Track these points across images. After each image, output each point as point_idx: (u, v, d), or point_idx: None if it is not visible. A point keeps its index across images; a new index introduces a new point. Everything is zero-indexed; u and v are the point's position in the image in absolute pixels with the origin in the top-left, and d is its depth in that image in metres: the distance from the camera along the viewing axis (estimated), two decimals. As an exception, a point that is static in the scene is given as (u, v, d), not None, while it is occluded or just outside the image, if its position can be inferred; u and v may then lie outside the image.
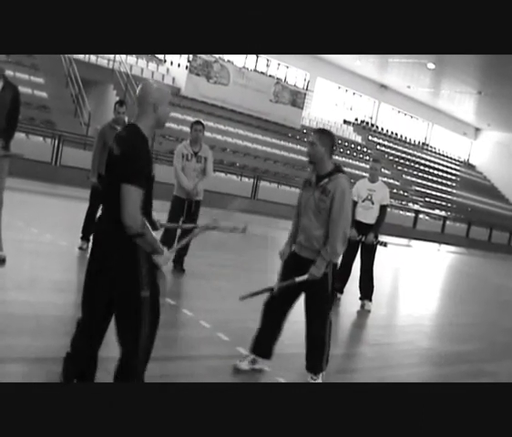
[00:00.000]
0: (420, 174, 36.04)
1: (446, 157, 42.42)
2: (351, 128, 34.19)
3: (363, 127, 35.52)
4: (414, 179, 34.57)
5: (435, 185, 36.28)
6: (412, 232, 25.26)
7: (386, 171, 31.04)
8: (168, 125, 18.28)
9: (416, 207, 29.58)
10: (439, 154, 41.78)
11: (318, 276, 4.54)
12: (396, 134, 38.23)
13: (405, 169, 34.81)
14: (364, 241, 7.98)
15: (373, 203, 8.07)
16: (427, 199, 33.15)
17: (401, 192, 31.12)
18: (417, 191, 33.40)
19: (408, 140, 39.06)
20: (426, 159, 38.80)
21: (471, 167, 45.20)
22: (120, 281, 3.26)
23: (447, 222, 28.92)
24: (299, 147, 26.92)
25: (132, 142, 3.21)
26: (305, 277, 4.56)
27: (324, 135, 4.69)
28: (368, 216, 8.00)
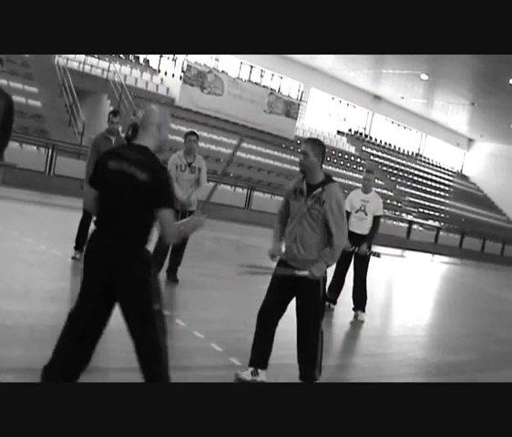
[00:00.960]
0: (413, 184, 36.13)
1: (440, 167, 42.57)
2: (344, 139, 34.27)
3: (357, 138, 35.62)
4: (407, 190, 34.66)
5: (428, 195, 36.40)
6: (405, 243, 25.30)
7: (380, 182, 31.10)
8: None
9: (410, 217, 29.65)
10: (432, 164, 41.93)
11: (317, 276, 4.57)
12: (390, 144, 38.34)
13: (399, 180, 34.91)
14: (358, 252, 7.99)
15: (366, 214, 8.08)
16: (421, 210, 33.23)
17: (394, 203, 31.19)
18: (411, 202, 33.48)
19: (402, 151, 39.17)
20: (420, 170, 38.91)
21: (464, 177, 45.38)
22: (135, 298, 3.41)
23: (441, 233, 29.00)
24: (292, 157, 26.95)
25: (160, 167, 3.41)
26: (306, 273, 4.57)
27: (317, 145, 4.73)
28: (361, 226, 8.01)
